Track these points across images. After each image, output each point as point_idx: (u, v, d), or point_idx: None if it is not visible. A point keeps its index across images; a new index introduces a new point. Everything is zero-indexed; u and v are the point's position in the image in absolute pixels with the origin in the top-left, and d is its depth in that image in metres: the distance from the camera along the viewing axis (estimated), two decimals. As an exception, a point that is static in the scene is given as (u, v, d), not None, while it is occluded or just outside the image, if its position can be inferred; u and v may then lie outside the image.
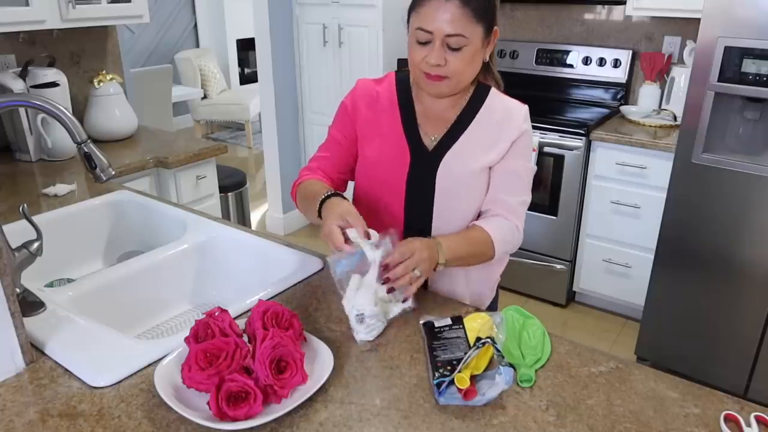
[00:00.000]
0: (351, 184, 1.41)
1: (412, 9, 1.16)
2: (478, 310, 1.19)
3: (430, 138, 1.27)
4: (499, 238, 1.23)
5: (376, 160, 1.29)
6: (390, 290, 1.09)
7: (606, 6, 3.06)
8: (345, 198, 1.18)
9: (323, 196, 1.18)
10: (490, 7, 1.14)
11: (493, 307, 1.45)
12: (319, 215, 1.17)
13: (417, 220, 1.28)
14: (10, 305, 0.94)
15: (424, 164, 1.26)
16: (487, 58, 1.23)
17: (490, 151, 1.24)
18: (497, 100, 1.28)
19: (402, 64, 3.24)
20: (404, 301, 1.12)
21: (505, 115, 1.26)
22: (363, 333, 1.07)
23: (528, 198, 1.30)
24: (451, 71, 1.15)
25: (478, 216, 1.29)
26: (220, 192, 2.54)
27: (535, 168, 2.69)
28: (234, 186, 3.02)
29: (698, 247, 2.28)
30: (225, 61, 6.57)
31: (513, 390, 0.95)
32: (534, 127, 2.73)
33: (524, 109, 1.27)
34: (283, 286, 1.25)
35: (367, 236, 1.08)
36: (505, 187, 1.26)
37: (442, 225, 1.27)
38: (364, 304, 1.06)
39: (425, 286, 1.31)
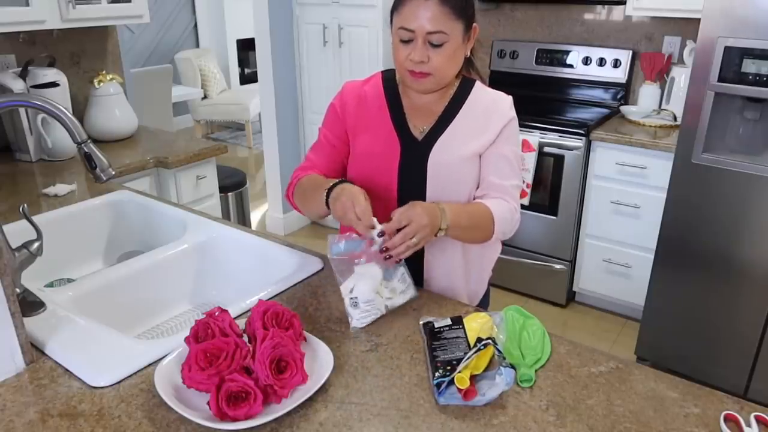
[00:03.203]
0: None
1: (394, 10, 1.20)
2: (477, 309, 1.19)
3: (419, 129, 1.29)
4: (499, 216, 1.24)
5: (366, 153, 1.31)
6: (387, 258, 1.10)
7: (606, 6, 3.06)
8: (353, 184, 1.18)
9: (333, 183, 1.18)
10: (468, 4, 1.19)
11: (484, 303, 1.46)
12: (327, 204, 1.18)
13: None
14: (10, 305, 0.94)
15: (414, 154, 1.28)
16: (469, 54, 1.27)
17: (478, 138, 1.27)
18: (482, 92, 1.32)
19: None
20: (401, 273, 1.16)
21: (491, 104, 1.30)
22: (356, 319, 1.10)
23: (519, 182, 1.32)
24: (433, 67, 1.19)
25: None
26: (220, 192, 2.54)
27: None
28: (234, 186, 3.02)
29: (698, 247, 2.28)
30: (225, 61, 6.57)
31: (513, 390, 0.95)
32: (534, 127, 2.77)
33: (509, 98, 1.32)
34: (283, 286, 1.25)
35: (371, 226, 1.10)
36: (498, 171, 1.28)
37: None
38: (363, 290, 1.09)
39: (421, 282, 1.33)
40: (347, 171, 1.37)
